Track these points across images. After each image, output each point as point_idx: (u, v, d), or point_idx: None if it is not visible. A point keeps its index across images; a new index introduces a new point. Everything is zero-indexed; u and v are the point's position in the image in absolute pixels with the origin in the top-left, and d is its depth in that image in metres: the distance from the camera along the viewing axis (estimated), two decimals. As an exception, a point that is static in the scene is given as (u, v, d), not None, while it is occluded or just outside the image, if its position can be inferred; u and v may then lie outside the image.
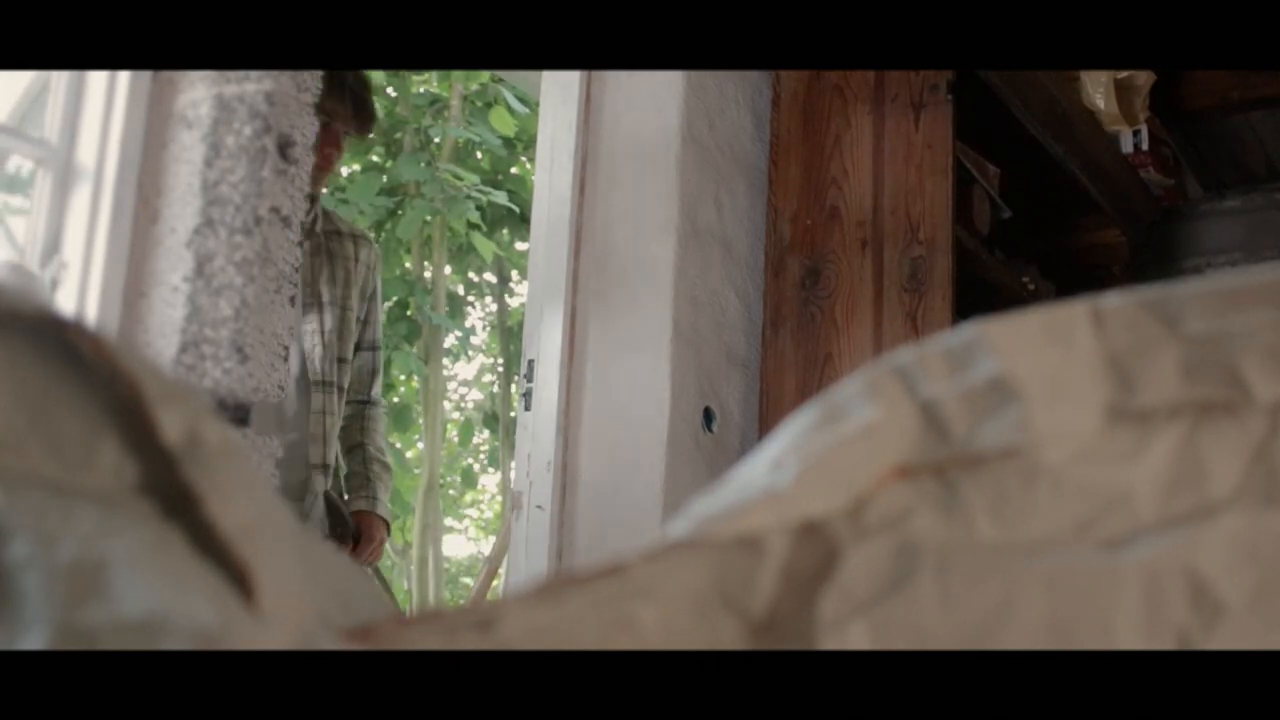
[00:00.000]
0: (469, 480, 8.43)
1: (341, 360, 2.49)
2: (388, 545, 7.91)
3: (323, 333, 2.45)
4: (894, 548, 0.45)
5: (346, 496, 2.56)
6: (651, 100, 2.69)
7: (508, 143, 6.31)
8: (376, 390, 2.63)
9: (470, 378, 8.44)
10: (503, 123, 5.95)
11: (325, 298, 2.47)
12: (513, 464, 2.66)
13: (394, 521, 7.79)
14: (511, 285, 7.48)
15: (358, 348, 2.54)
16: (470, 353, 7.87)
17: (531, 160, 5.71)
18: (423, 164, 6.07)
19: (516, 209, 6.24)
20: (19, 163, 1.69)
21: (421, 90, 6.42)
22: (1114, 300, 0.48)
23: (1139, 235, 3.67)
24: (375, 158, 6.52)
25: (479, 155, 6.66)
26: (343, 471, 2.58)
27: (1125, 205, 3.53)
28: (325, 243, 2.50)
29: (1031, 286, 3.14)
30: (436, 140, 6.49)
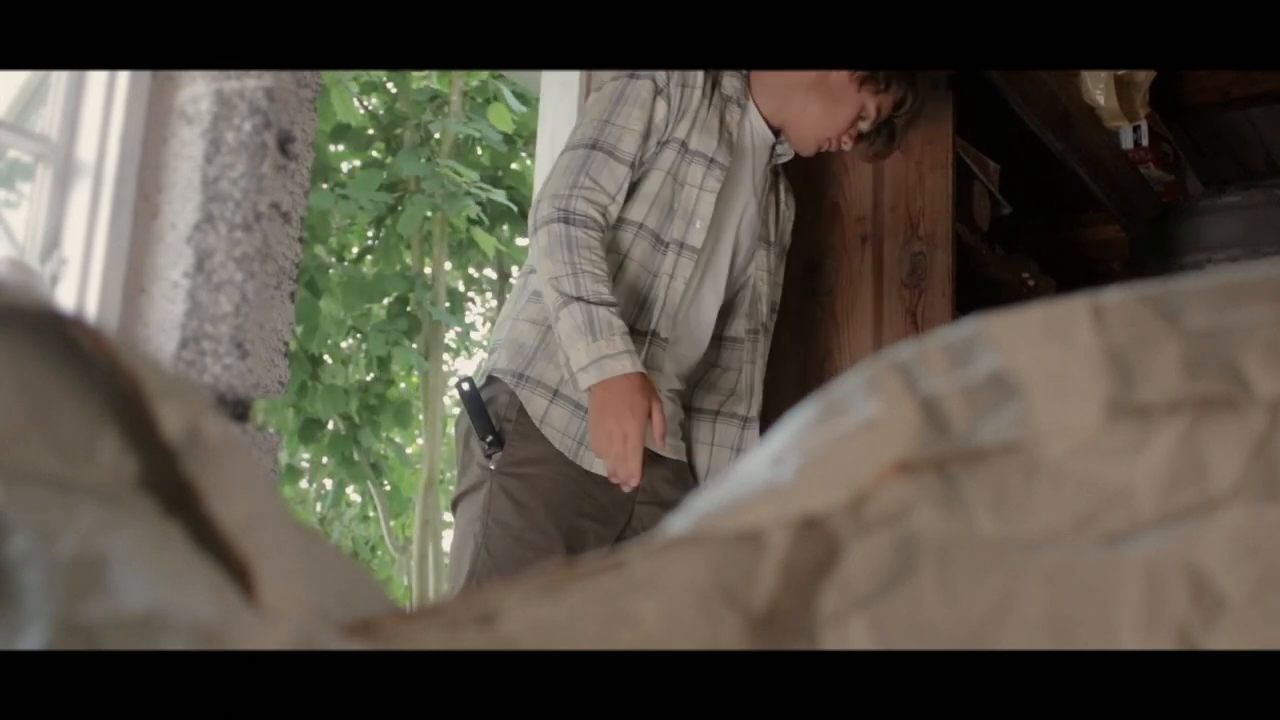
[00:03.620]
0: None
1: (771, 307, 2.31)
2: (388, 541, 7.82)
3: (769, 271, 2.28)
4: (894, 542, 0.45)
5: None
6: (651, 96, 2.68)
7: (508, 139, 6.31)
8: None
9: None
10: (501, 120, 5.94)
11: (771, 236, 2.30)
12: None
13: (394, 519, 7.81)
14: (511, 281, 7.48)
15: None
16: (470, 348, 7.87)
17: (532, 156, 5.71)
18: (423, 159, 6.06)
19: (515, 207, 6.24)
20: (17, 157, 1.69)
21: (422, 85, 6.42)
22: (1114, 296, 0.48)
23: (1139, 231, 3.67)
24: (375, 153, 6.52)
25: (479, 151, 6.65)
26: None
27: (1125, 201, 3.53)
28: (776, 182, 2.33)
29: (1032, 282, 3.14)
30: (436, 136, 6.49)
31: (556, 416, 2.00)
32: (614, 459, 1.92)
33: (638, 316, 2.05)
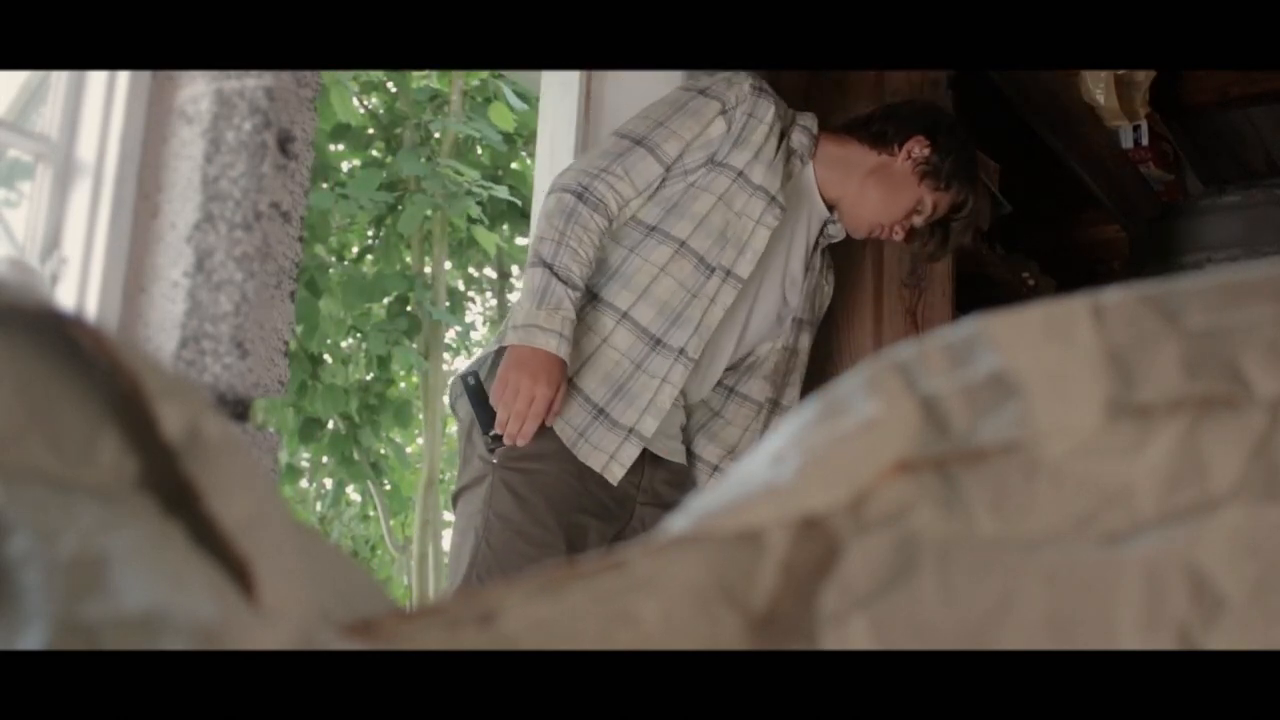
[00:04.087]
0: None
1: (800, 381, 2.33)
2: (388, 541, 7.82)
3: (807, 351, 2.31)
4: (894, 542, 0.45)
5: None
6: (652, 94, 2.68)
7: (508, 138, 6.31)
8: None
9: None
10: (502, 118, 5.94)
11: (814, 318, 2.33)
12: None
13: (394, 518, 7.81)
14: (511, 280, 7.48)
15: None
16: (470, 348, 7.87)
17: (532, 155, 5.70)
18: (423, 159, 6.06)
19: (519, 202, 6.24)
20: (17, 156, 1.69)
21: (422, 85, 6.42)
22: (1114, 295, 0.48)
23: (1139, 230, 3.67)
24: (375, 153, 6.52)
25: (479, 150, 6.65)
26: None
27: (1125, 201, 3.53)
28: (823, 264, 2.35)
29: (1031, 282, 3.14)
30: (437, 135, 6.49)
31: (563, 403, 2.01)
32: (514, 414, 1.93)
33: (668, 331, 2.07)
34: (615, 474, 2.02)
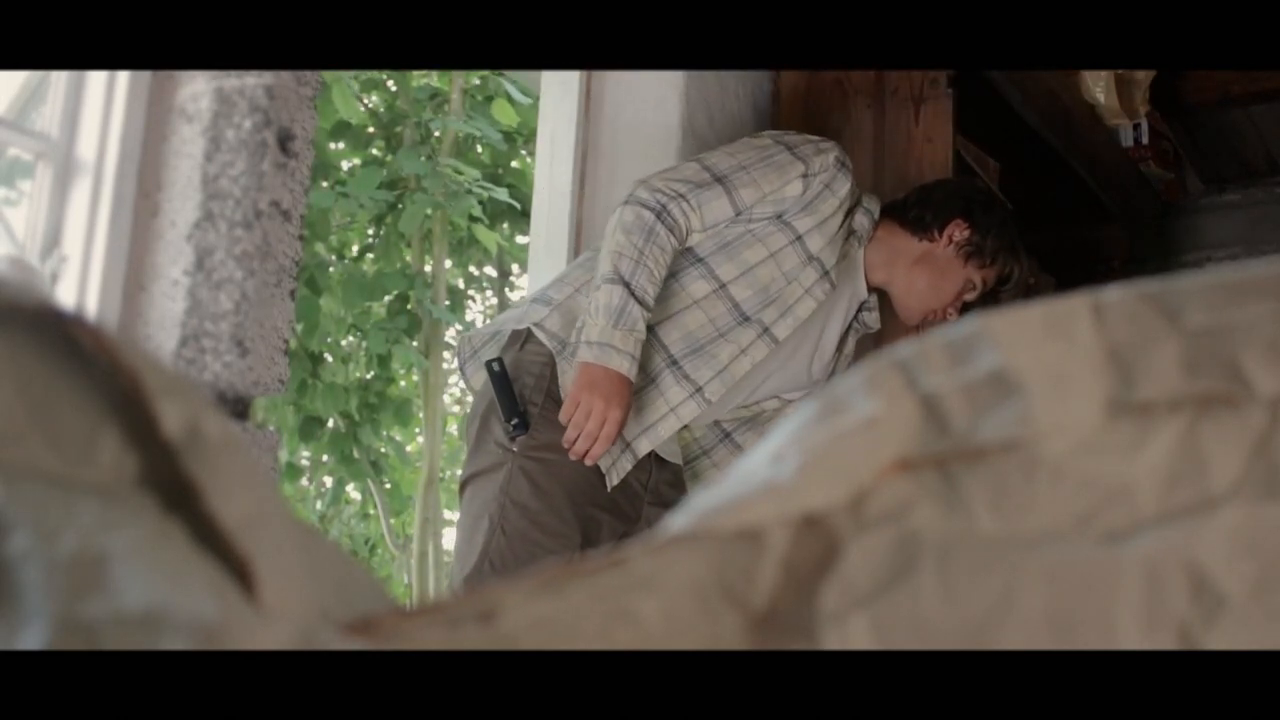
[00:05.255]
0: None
1: None
2: (388, 539, 7.82)
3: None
4: (895, 540, 0.45)
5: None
6: (652, 94, 2.69)
7: (508, 136, 6.30)
8: None
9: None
10: (504, 114, 5.94)
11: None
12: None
13: (394, 517, 7.82)
14: (512, 279, 7.48)
15: None
16: (470, 347, 7.84)
17: (532, 154, 5.69)
18: (423, 158, 6.06)
19: (517, 204, 6.23)
20: (17, 155, 1.69)
21: (422, 84, 6.42)
22: (1114, 294, 0.48)
23: (1139, 229, 3.67)
24: (375, 151, 6.52)
25: (479, 149, 6.65)
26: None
27: (1125, 199, 3.52)
28: (853, 348, 2.37)
29: (1031, 280, 3.14)
30: (437, 134, 6.48)
31: None
32: (584, 434, 1.93)
33: (687, 357, 2.07)
34: (612, 480, 2.03)
